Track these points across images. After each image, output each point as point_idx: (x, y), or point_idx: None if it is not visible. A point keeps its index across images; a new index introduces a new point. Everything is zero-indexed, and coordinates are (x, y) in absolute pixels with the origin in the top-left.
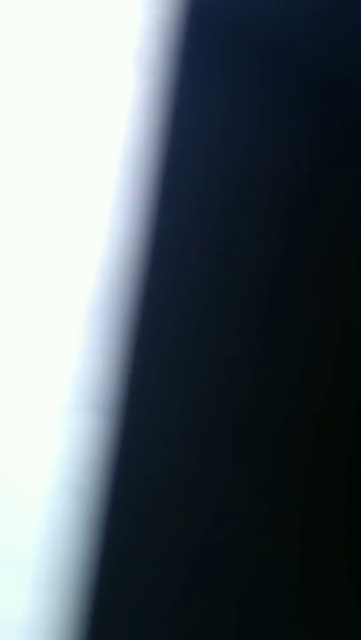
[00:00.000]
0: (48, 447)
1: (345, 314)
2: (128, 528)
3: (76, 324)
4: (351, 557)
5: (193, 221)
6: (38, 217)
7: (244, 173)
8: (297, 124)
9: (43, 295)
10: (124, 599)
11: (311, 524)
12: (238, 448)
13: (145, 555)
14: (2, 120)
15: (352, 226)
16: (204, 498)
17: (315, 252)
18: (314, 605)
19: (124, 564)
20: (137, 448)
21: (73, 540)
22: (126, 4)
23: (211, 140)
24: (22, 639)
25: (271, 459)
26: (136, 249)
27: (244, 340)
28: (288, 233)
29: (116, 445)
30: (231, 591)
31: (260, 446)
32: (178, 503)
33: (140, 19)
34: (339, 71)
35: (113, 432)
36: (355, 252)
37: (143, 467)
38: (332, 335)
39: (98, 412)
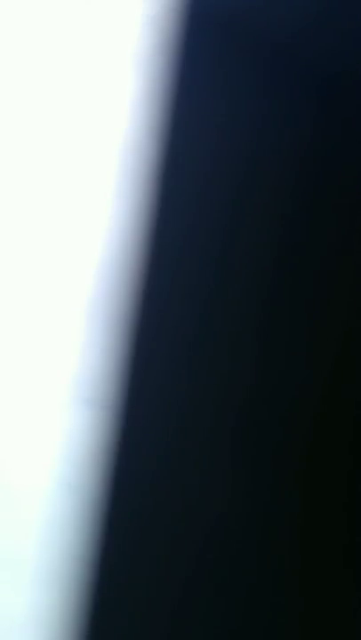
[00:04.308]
0: (46, 444)
1: (345, 315)
2: (127, 525)
3: (75, 321)
4: (352, 559)
5: (192, 220)
6: (38, 215)
7: (244, 173)
8: (297, 123)
9: (42, 292)
10: (124, 597)
11: (311, 526)
12: (238, 445)
13: (144, 552)
14: (1, 118)
15: (353, 226)
16: (203, 496)
17: (315, 250)
18: (314, 606)
19: (122, 561)
20: (136, 445)
21: (71, 538)
22: (125, 3)
23: (210, 140)
24: (21, 637)
25: (271, 457)
26: (136, 246)
27: (245, 338)
28: (288, 231)
29: (115, 443)
30: (231, 588)
31: (261, 446)
32: (177, 501)
33: (139, 17)
34: (339, 71)
35: (112, 429)
36: (355, 250)
37: (142, 464)
38: (333, 336)
39: (96, 410)
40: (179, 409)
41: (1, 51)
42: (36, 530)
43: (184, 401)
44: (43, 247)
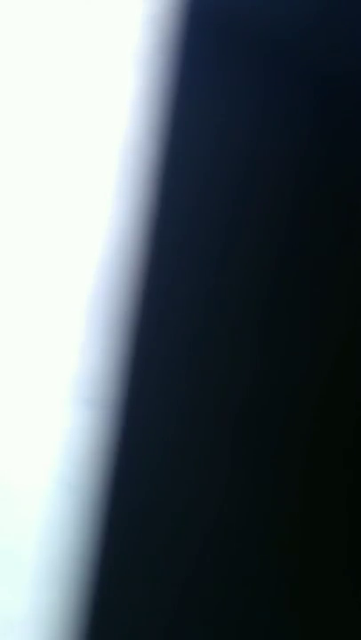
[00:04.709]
0: (46, 444)
1: (346, 316)
2: (127, 525)
3: (75, 321)
4: (353, 558)
5: (192, 220)
6: (37, 214)
7: (244, 172)
8: (298, 123)
9: (42, 292)
10: (124, 597)
11: (312, 527)
12: (238, 445)
13: (144, 552)
14: (0, 118)
15: (353, 226)
16: (203, 496)
17: (315, 251)
18: (315, 606)
19: (122, 561)
20: (136, 445)
21: (71, 538)
22: (125, 3)
23: (210, 140)
24: (21, 637)
25: (272, 457)
26: (136, 245)
27: (245, 337)
28: (289, 231)
29: (115, 443)
30: (232, 589)
31: (261, 445)
32: (177, 501)
33: (139, 17)
34: (339, 71)
35: (112, 429)
36: (356, 251)
37: (142, 464)
38: (334, 337)
39: (96, 409)
40: (179, 409)
41: (0, 50)
42: (35, 530)
43: (184, 401)
44: (42, 247)
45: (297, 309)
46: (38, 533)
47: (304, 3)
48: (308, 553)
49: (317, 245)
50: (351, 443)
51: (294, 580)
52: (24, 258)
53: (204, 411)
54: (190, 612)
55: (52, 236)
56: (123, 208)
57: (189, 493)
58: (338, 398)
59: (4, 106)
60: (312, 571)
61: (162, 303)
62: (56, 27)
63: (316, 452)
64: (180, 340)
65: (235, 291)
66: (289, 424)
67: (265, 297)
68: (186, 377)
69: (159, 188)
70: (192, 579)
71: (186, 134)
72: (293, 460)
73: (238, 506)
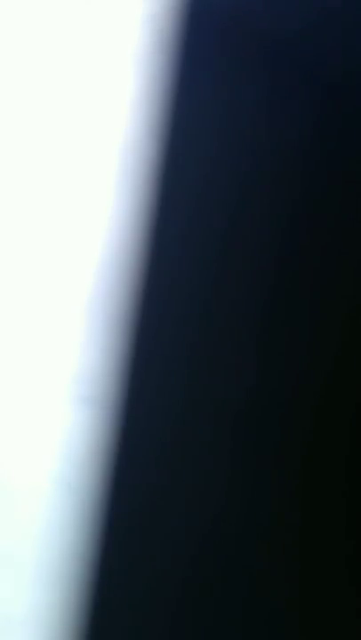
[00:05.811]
0: (45, 443)
1: (347, 316)
2: (127, 525)
3: (75, 320)
4: (353, 559)
5: (193, 220)
6: (37, 214)
7: (245, 173)
8: (299, 122)
9: (42, 291)
10: (124, 597)
11: (312, 525)
12: (238, 445)
13: (144, 552)
14: (0, 119)
15: (353, 227)
16: (203, 496)
17: (316, 251)
18: (315, 608)
19: (122, 561)
20: (136, 445)
21: (71, 538)
22: (125, 2)
23: (210, 140)
24: (21, 637)
25: (271, 457)
26: (135, 244)
27: (245, 338)
28: (289, 231)
29: (115, 442)
30: (231, 589)
31: (260, 445)
32: (177, 501)
33: (139, 17)
34: (341, 70)
35: (111, 428)
36: (355, 252)
37: (142, 464)
38: (334, 337)
39: (96, 409)
40: (179, 409)
41: (0, 50)
42: (35, 530)
43: (184, 401)
44: (42, 246)
45: (298, 308)
46: (38, 533)
47: (304, 3)
48: (308, 553)
49: (318, 244)
50: (350, 443)
51: (295, 581)
52: (24, 257)
53: (204, 410)
54: (190, 612)
55: (52, 235)
56: (123, 208)
57: (189, 493)
58: (337, 399)
59: (3, 106)
60: (312, 571)
61: (162, 303)
62: (56, 27)
63: (315, 453)
64: (180, 339)
65: (235, 290)
66: (289, 424)
67: (265, 297)
68: (186, 377)
69: (159, 188)
70: (192, 579)
71: (186, 134)
72: (293, 461)
73: (238, 506)
